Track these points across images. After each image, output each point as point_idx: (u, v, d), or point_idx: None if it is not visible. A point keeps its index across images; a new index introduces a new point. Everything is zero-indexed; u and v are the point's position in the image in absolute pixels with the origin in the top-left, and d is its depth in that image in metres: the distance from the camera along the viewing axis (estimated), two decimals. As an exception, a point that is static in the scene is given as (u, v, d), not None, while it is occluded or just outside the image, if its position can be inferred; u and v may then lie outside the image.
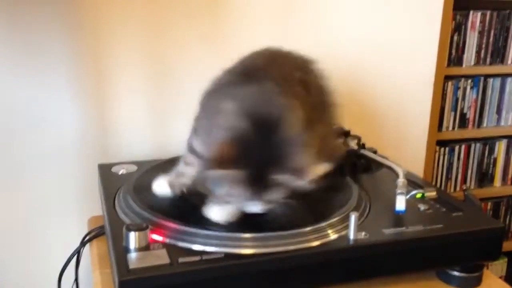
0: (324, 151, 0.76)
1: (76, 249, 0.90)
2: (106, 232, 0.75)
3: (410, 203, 0.79)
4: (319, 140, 0.74)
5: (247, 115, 0.66)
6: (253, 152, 0.64)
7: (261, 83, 0.71)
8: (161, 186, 0.79)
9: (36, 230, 1.07)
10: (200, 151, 0.73)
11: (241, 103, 0.68)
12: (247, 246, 0.66)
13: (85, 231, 0.93)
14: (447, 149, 1.61)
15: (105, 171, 0.93)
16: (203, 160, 0.70)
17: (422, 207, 0.79)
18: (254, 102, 0.69)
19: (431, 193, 0.83)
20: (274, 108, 0.68)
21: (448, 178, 1.65)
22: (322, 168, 0.72)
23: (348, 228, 0.69)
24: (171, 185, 0.79)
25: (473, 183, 1.69)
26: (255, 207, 0.68)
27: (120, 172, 0.93)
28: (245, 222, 0.70)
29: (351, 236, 0.69)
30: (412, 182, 0.87)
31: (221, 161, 0.64)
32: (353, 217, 0.69)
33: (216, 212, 0.71)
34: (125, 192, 0.81)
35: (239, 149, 0.64)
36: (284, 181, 0.65)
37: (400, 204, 0.76)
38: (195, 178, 0.76)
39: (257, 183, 0.65)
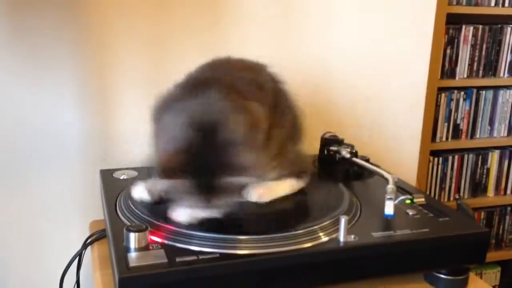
0: (286, 161, 0.79)
1: (78, 252, 0.93)
2: (107, 234, 0.78)
3: (399, 208, 0.82)
4: (278, 144, 0.77)
5: (188, 124, 0.69)
6: (199, 159, 0.67)
7: (203, 91, 0.73)
8: (140, 192, 0.81)
9: (39, 233, 1.10)
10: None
11: (180, 114, 0.71)
12: (242, 247, 0.69)
13: (86, 234, 0.96)
14: (440, 159, 1.65)
15: (106, 176, 0.97)
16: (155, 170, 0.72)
17: (410, 212, 0.82)
18: (193, 111, 0.71)
19: (420, 199, 0.86)
20: (213, 113, 0.70)
21: (442, 188, 1.68)
22: (288, 186, 0.76)
23: (339, 231, 0.72)
24: (150, 192, 0.80)
25: (466, 192, 1.72)
26: (205, 213, 0.70)
27: (121, 178, 0.96)
28: (240, 224, 0.73)
29: (341, 239, 0.72)
30: (402, 189, 0.90)
31: (167, 171, 0.67)
32: (343, 221, 0.72)
33: (178, 214, 0.73)
34: (126, 196, 0.84)
35: (183, 157, 0.67)
36: (233, 182, 0.67)
37: (389, 208, 0.79)
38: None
39: (205, 189, 0.67)
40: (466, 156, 1.69)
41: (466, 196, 1.71)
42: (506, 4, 1.61)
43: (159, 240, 0.70)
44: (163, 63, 1.11)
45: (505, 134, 1.72)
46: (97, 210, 1.01)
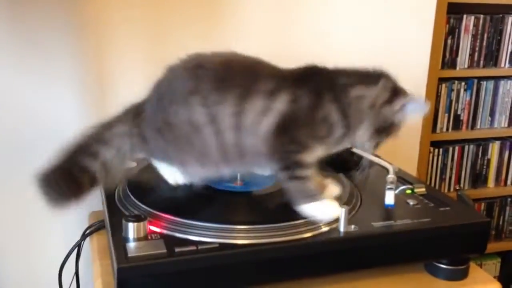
0: None
1: (77, 242, 0.92)
2: (106, 224, 0.77)
3: (399, 198, 0.82)
4: None
5: None
6: None
7: None
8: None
9: (38, 224, 1.10)
10: None
11: None
12: (241, 237, 0.68)
13: (85, 225, 0.96)
14: (441, 150, 1.64)
15: (105, 167, 0.96)
16: None
17: (411, 202, 0.82)
18: None
19: (420, 189, 0.86)
20: None
21: (442, 179, 1.68)
22: None
23: (339, 221, 0.72)
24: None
25: (467, 183, 1.71)
26: None
27: (120, 168, 0.95)
28: (240, 214, 0.73)
29: (342, 229, 0.72)
30: (403, 179, 0.89)
31: None
32: (343, 211, 0.72)
33: None
34: (125, 186, 0.83)
35: None
36: None
37: (389, 198, 0.79)
38: None
39: None
40: (466, 147, 1.68)
41: (466, 187, 1.71)
42: (508, -7, 1.60)
43: (158, 230, 0.70)
44: (161, 52, 1.10)
45: (506, 125, 1.71)
46: (96, 201, 1.00)
